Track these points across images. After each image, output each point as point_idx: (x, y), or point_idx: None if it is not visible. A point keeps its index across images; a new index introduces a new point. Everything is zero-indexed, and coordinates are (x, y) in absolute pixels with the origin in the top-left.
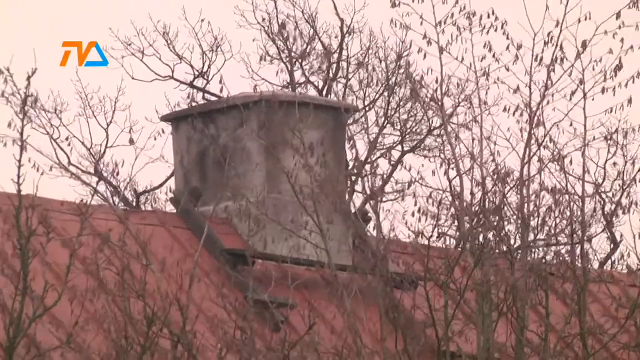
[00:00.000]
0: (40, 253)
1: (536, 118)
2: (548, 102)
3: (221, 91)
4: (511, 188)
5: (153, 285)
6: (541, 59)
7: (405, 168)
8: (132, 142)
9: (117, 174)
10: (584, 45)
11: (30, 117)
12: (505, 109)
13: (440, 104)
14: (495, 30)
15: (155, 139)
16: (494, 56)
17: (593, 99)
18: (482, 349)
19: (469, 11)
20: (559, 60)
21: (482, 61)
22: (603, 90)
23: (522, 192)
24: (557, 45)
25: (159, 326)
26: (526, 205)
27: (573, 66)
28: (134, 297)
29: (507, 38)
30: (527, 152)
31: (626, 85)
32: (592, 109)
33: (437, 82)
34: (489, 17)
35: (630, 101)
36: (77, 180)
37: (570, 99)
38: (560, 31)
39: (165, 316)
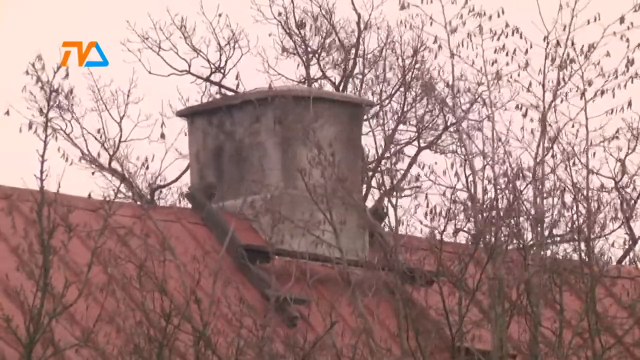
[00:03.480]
0: (60, 250)
1: (548, 116)
2: (561, 101)
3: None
4: (526, 185)
5: (172, 280)
6: (553, 59)
7: (419, 166)
8: (162, 136)
9: (147, 167)
10: (590, 47)
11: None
12: (517, 107)
13: (452, 105)
14: (506, 37)
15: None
16: (506, 54)
17: (594, 101)
18: (496, 347)
19: (478, 11)
20: (568, 61)
21: (492, 65)
22: (602, 92)
23: (536, 190)
24: (566, 46)
25: (179, 321)
26: (539, 201)
27: (581, 67)
28: (153, 291)
29: (521, 37)
30: (541, 150)
31: (625, 86)
32: (594, 110)
33: (447, 85)
34: (498, 16)
35: (630, 103)
36: (104, 172)
37: (581, 99)
38: (569, 33)
39: (185, 310)
